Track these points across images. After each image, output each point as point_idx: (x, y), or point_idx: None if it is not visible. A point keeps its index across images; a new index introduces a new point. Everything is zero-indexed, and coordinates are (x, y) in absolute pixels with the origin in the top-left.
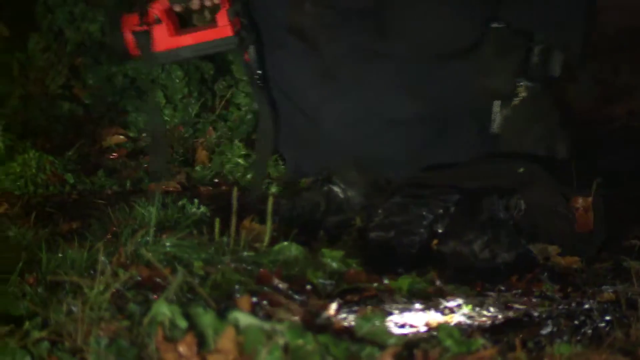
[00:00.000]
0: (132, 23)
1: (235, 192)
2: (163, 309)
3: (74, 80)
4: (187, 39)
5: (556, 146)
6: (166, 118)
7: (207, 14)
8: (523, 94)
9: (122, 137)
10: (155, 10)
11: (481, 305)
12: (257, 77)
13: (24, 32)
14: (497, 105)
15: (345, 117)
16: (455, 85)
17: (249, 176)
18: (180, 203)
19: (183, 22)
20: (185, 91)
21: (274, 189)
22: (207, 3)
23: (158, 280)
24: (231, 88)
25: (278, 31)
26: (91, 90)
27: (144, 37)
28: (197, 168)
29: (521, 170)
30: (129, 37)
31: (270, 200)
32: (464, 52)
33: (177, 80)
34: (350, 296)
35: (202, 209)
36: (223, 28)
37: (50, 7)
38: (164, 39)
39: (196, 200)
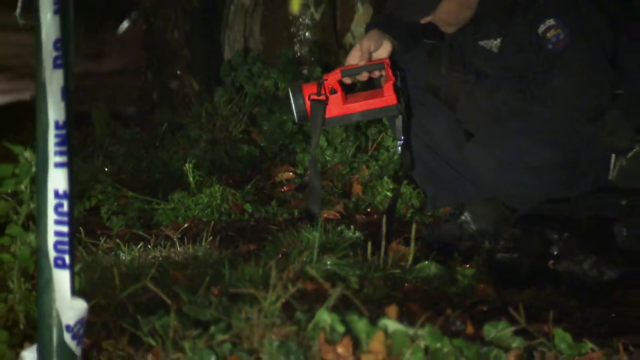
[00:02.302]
0: (310, 91)
1: (384, 220)
2: (324, 317)
3: (251, 126)
4: (358, 107)
5: None
6: (327, 158)
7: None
8: (637, 149)
9: (291, 173)
10: (331, 82)
11: (588, 315)
12: (402, 138)
13: (211, 87)
14: (615, 157)
15: (482, 162)
16: (584, 139)
17: (396, 206)
18: (339, 228)
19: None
20: (343, 136)
21: (417, 216)
22: (374, 75)
23: (320, 292)
24: (381, 133)
25: (418, 90)
26: (266, 134)
27: (321, 105)
28: (353, 199)
29: (624, 202)
30: (308, 103)
31: (414, 227)
32: (594, 113)
33: (337, 127)
34: (480, 307)
35: (357, 233)
36: (389, 97)
37: (233, 66)
38: (338, 105)
39: (352, 226)
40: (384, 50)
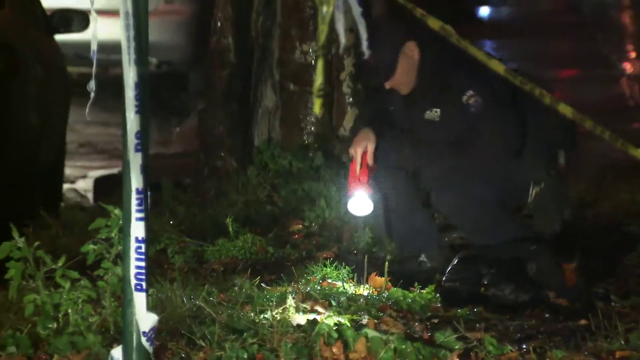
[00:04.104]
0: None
1: (365, 258)
2: (324, 326)
3: (273, 192)
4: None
5: (564, 215)
6: (327, 215)
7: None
8: (547, 180)
9: (300, 226)
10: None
11: (509, 326)
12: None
13: (245, 165)
14: (532, 185)
15: (447, 207)
16: (509, 174)
17: (374, 249)
18: (334, 264)
19: None
20: (337, 199)
21: (389, 257)
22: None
23: (321, 309)
24: None
25: (388, 167)
26: (283, 198)
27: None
28: (344, 244)
29: (533, 248)
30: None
31: (387, 264)
32: (509, 152)
33: (333, 192)
34: (432, 320)
35: (347, 268)
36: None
37: (260, 150)
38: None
39: (343, 263)
40: (372, 142)
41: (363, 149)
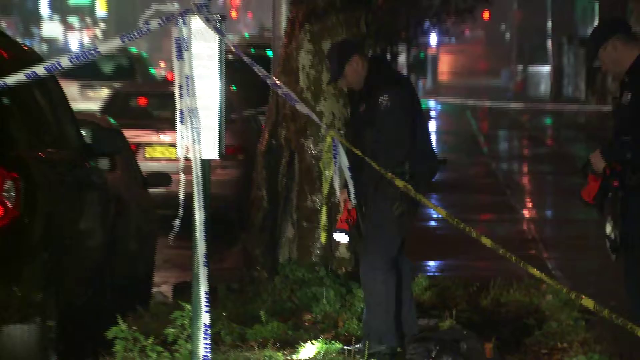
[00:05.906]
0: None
1: (353, 340)
2: None
3: (291, 294)
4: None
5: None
6: (327, 309)
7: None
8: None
9: (310, 316)
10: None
11: None
12: None
13: (273, 275)
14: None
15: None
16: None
17: (358, 332)
18: (331, 342)
19: None
20: (335, 299)
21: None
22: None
23: None
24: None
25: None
26: (298, 298)
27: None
28: (339, 329)
29: (465, 332)
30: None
31: (367, 343)
32: (404, 142)
33: (332, 294)
34: None
35: (339, 344)
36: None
37: (283, 266)
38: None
39: (337, 341)
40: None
41: (346, 197)
